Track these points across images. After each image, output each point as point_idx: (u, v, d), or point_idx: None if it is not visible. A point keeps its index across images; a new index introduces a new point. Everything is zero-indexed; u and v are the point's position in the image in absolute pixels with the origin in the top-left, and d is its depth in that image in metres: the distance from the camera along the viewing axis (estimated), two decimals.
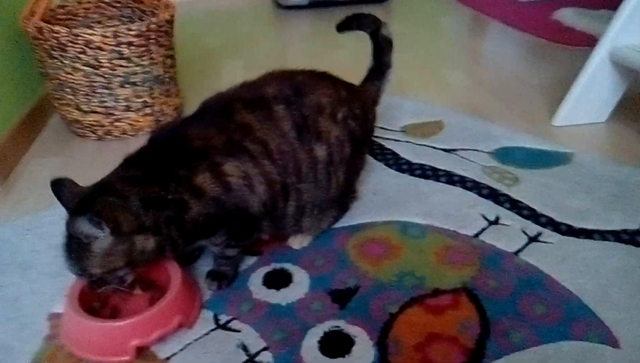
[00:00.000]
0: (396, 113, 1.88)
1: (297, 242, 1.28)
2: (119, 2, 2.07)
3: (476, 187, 1.48)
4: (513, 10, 3.11)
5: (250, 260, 1.25)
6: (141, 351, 1.02)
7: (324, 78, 1.21)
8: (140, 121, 1.84)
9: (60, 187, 1.02)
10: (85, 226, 0.92)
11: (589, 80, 1.76)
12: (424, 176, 1.54)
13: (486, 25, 3.06)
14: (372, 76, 1.37)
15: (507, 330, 1.04)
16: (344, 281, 1.18)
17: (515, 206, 1.40)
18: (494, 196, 1.44)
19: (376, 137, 1.66)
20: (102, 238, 0.94)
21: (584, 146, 1.71)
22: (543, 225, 1.33)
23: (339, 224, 1.34)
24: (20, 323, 1.11)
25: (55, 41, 1.65)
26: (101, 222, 0.91)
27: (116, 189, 0.99)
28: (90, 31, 1.63)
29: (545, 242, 1.27)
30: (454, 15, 3.23)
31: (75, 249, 0.96)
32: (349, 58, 2.29)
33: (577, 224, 1.33)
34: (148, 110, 1.84)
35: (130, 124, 1.83)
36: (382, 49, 1.37)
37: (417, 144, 1.71)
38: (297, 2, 3.33)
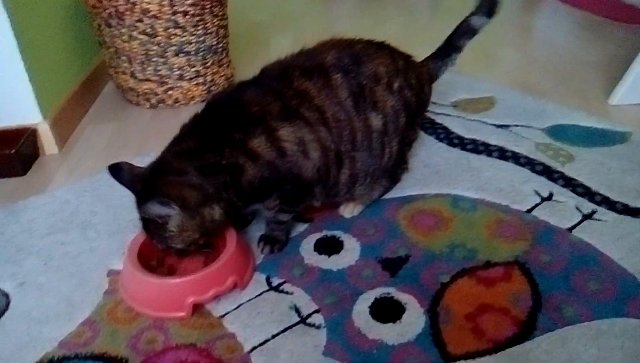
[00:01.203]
0: (447, 88, 1.85)
1: (349, 211, 1.29)
2: None
3: (529, 163, 1.46)
4: None
5: (302, 227, 1.27)
6: (197, 308, 1.05)
7: (382, 48, 1.21)
8: (192, 90, 1.87)
9: (119, 170, 1.07)
10: (156, 209, 0.98)
11: None
12: (475, 150, 1.53)
13: (539, 3, 2.98)
14: (437, 54, 1.34)
15: (560, 304, 1.03)
16: (394, 250, 1.18)
17: (570, 184, 1.37)
18: (548, 172, 1.42)
19: (427, 111, 1.65)
20: (174, 216, 1.00)
21: None
22: (598, 203, 1.30)
23: (389, 195, 1.34)
24: (81, 278, 1.16)
25: (113, 9, 1.69)
26: (170, 202, 0.97)
27: (174, 167, 1.03)
28: (147, 0, 1.66)
29: (599, 220, 1.25)
30: None
31: (154, 230, 1.03)
32: (397, 33, 2.27)
33: (634, 203, 1.30)
34: (200, 79, 1.87)
35: (182, 93, 1.86)
36: (461, 33, 1.33)
37: (469, 120, 1.70)
38: None
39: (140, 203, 1.02)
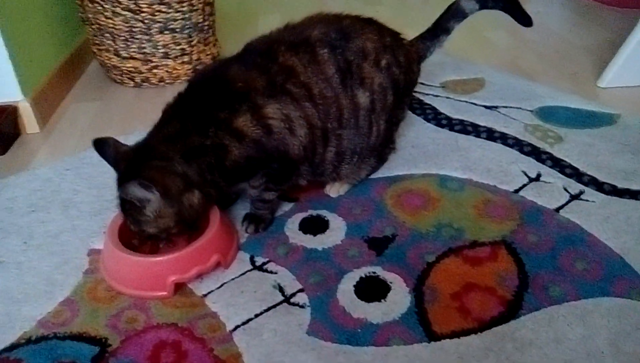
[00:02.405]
0: (436, 69, 1.83)
1: (335, 190, 1.27)
2: None
3: (518, 144, 1.45)
4: None
5: (287, 206, 1.25)
6: (179, 287, 1.04)
7: (370, 23, 1.18)
8: (177, 69, 1.84)
9: (104, 146, 1.05)
10: (137, 192, 0.95)
11: (638, 42, 1.69)
12: (463, 131, 1.52)
13: None
14: (425, 35, 1.32)
15: (546, 283, 1.03)
16: (381, 229, 1.17)
17: (558, 164, 1.37)
18: (536, 153, 1.41)
19: (415, 92, 1.63)
20: (153, 201, 0.97)
21: (631, 107, 1.66)
22: (586, 184, 1.30)
23: (376, 175, 1.33)
24: (62, 257, 1.13)
25: None
26: (151, 187, 0.94)
27: (160, 151, 1.00)
28: None
29: (587, 201, 1.25)
30: None
31: (130, 211, 1.01)
32: (387, 14, 2.24)
33: (621, 184, 1.30)
34: (186, 58, 1.83)
35: (167, 71, 1.83)
36: (451, 16, 1.31)
37: (458, 100, 1.68)
38: None
39: (122, 183, 0.99)
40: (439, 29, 1.32)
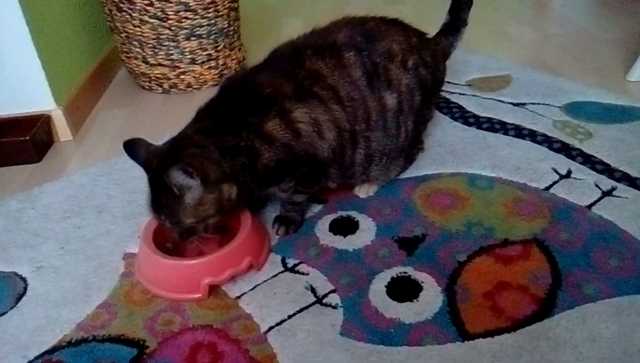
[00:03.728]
0: (462, 67, 1.83)
1: (364, 191, 1.28)
2: None
3: (547, 141, 1.44)
4: None
5: (317, 208, 1.26)
6: (213, 289, 1.05)
7: (395, 25, 1.19)
8: (204, 74, 1.86)
9: (134, 147, 1.06)
10: (179, 177, 0.95)
11: None
12: (491, 129, 1.51)
13: None
14: (446, 30, 1.32)
15: (580, 281, 1.02)
16: (411, 229, 1.17)
17: (588, 161, 1.35)
18: (566, 150, 1.40)
19: (442, 91, 1.63)
20: (194, 188, 0.97)
21: None
22: (617, 180, 1.28)
23: (404, 175, 1.33)
24: (98, 261, 1.16)
25: None
26: (193, 172, 0.94)
27: (195, 141, 1.01)
28: None
29: (619, 197, 1.23)
30: None
31: (168, 203, 0.99)
32: (410, 14, 2.24)
33: None
34: (212, 63, 1.86)
35: (195, 77, 1.86)
36: (461, 6, 1.31)
37: (484, 98, 1.67)
38: None
39: (161, 172, 0.96)
40: (459, 22, 1.32)
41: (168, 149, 1.02)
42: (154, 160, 1.02)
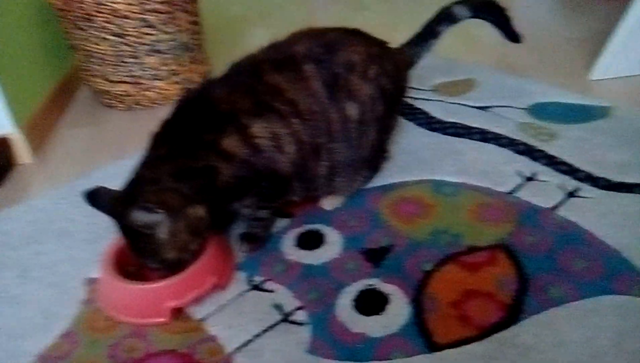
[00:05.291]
0: (426, 72, 1.83)
1: (329, 203, 1.26)
2: None
3: (511, 144, 1.44)
4: None
5: (282, 222, 1.25)
6: (177, 312, 1.03)
7: (355, 35, 1.18)
8: (168, 90, 1.84)
9: (96, 197, 1.04)
10: (142, 216, 0.93)
11: (629, 31, 1.69)
12: (456, 134, 1.51)
13: None
14: (416, 40, 1.31)
15: (546, 285, 1.02)
16: (377, 240, 1.16)
17: (552, 162, 1.36)
18: (530, 152, 1.40)
19: (406, 97, 1.63)
20: (162, 222, 0.95)
21: (623, 99, 1.65)
22: (581, 180, 1.29)
23: (370, 185, 1.32)
24: (60, 288, 1.13)
25: (81, 12, 1.64)
26: (152, 207, 0.93)
27: (148, 178, 1.00)
28: (115, 0, 1.62)
29: (583, 197, 1.24)
30: None
31: (145, 246, 0.98)
32: (375, 20, 2.24)
33: (617, 178, 1.29)
34: (176, 78, 1.83)
35: (158, 92, 1.83)
36: (441, 19, 1.30)
37: (449, 103, 1.68)
38: None
39: (123, 215, 0.97)
40: (429, 34, 1.32)
41: (125, 193, 1.00)
42: (118, 206, 0.99)
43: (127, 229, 0.98)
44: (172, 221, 0.97)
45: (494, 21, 1.32)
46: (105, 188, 1.04)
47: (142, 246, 0.99)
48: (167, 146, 1.02)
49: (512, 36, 1.32)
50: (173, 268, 1.02)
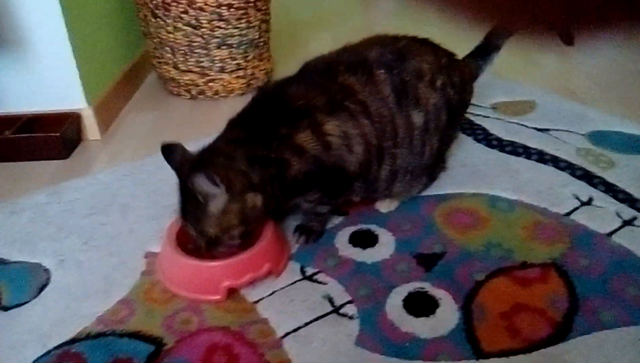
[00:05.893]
0: (487, 91, 1.84)
1: (385, 205, 1.29)
2: None
3: (569, 167, 1.44)
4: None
5: (337, 220, 1.28)
6: (231, 292, 1.07)
7: (425, 44, 1.21)
8: (232, 83, 1.90)
9: (171, 151, 1.08)
10: (203, 183, 0.96)
11: None
12: (514, 153, 1.52)
13: None
14: (477, 53, 1.34)
15: (597, 308, 1.02)
16: (429, 246, 1.18)
17: (610, 189, 1.35)
18: (588, 177, 1.40)
19: (466, 113, 1.65)
20: (218, 196, 0.99)
21: None
22: (639, 210, 1.28)
23: (426, 192, 1.34)
24: (120, 258, 1.18)
25: (160, 1, 1.72)
26: (217, 179, 0.96)
27: (223, 152, 1.04)
28: None
29: None
30: None
31: (193, 211, 1.02)
32: (437, 35, 2.25)
33: None
34: (241, 72, 1.89)
35: (223, 85, 1.89)
36: (500, 32, 1.34)
37: (508, 122, 1.68)
38: None
39: (188, 174, 0.99)
40: (491, 46, 1.34)
41: (198, 158, 1.05)
42: (185, 166, 1.04)
43: (185, 188, 1.01)
44: (228, 200, 1.00)
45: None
46: (181, 146, 1.08)
47: (190, 210, 1.02)
48: (245, 130, 1.06)
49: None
50: (209, 244, 1.05)
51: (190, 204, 1.02)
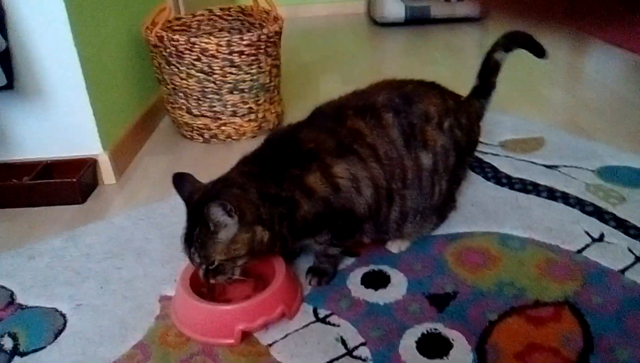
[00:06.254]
0: (495, 128, 1.86)
1: (396, 246, 1.30)
2: (230, 15, 2.20)
3: (579, 204, 1.45)
4: (619, 29, 3.00)
5: (349, 261, 1.29)
6: (245, 336, 1.07)
7: (432, 88, 1.24)
8: (244, 126, 1.94)
9: (182, 180, 1.11)
10: (218, 213, 0.99)
11: None
12: (524, 190, 1.53)
13: (588, 44, 2.97)
14: (477, 93, 1.37)
15: (613, 346, 1.01)
16: (442, 286, 1.18)
17: (622, 225, 1.35)
18: (599, 213, 1.40)
19: (476, 149, 1.67)
20: (230, 226, 1.01)
21: None
22: None
23: (436, 232, 1.35)
24: (135, 302, 1.20)
25: (173, 49, 1.78)
26: (232, 209, 0.98)
27: (237, 182, 1.07)
28: (206, 40, 1.75)
29: None
30: (554, 33, 3.16)
31: (201, 237, 1.03)
32: (445, 74, 2.30)
33: None
34: (252, 116, 1.93)
35: (235, 128, 1.93)
36: (490, 70, 1.36)
37: (517, 159, 1.70)
38: (393, 19, 3.38)
39: (201, 206, 1.00)
40: (489, 85, 1.37)
41: (211, 187, 1.07)
42: (196, 195, 1.07)
43: (194, 215, 1.03)
44: (239, 230, 1.02)
45: (522, 45, 1.36)
46: (192, 176, 1.12)
47: (198, 236, 1.02)
48: (258, 167, 1.09)
49: (540, 52, 1.35)
50: (209, 271, 1.05)
51: (199, 229, 1.02)
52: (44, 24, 1.51)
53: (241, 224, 1.01)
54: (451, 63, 2.73)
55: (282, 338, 1.08)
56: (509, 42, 1.35)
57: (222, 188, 1.05)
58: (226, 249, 1.03)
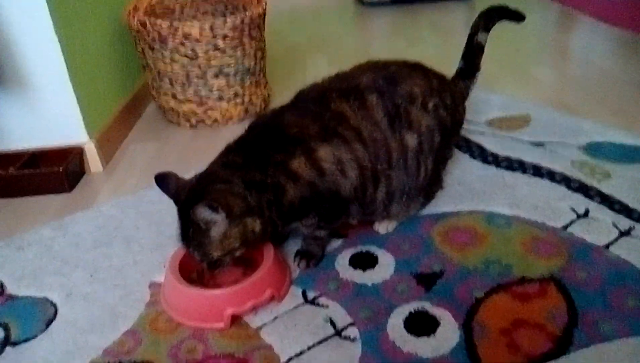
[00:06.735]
0: (482, 107, 1.87)
1: (383, 227, 1.31)
2: None
3: (565, 180, 1.46)
4: (605, 4, 3.00)
5: (337, 242, 1.29)
6: (235, 320, 1.09)
7: (416, 68, 1.24)
8: (230, 111, 1.93)
9: (165, 180, 1.11)
10: (205, 213, 1.00)
11: None
12: (510, 168, 1.54)
13: (574, 21, 2.97)
14: (462, 75, 1.38)
15: (596, 320, 1.03)
16: (429, 265, 1.20)
17: (606, 200, 1.37)
18: (584, 189, 1.42)
19: (462, 129, 1.67)
20: (219, 223, 1.01)
21: None
22: (636, 220, 1.29)
23: (423, 212, 1.36)
24: (126, 290, 1.20)
25: (156, 34, 1.76)
26: (218, 207, 0.99)
27: (221, 177, 1.06)
28: (189, 24, 1.73)
29: (637, 237, 1.24)
30: (541, 10, 3.15)
31: (195, 237, 1.04)
32: (431, 53, 2.29)
33: None
34: (238, 100, 1.92)
35: (221, 113, 1.92)
36: (474, 52, 1.38)
37: (503, 137, 1.71)
38: None
39: (188, 207, 1.02)
40: (474, 67, 1.39)
41: (196, 184, 1.07)
42: (183, 193, 1.07)
43: (185, 214, 1.04)
44: (229, 225, 1.03)
45: (499, 17, 1.38)
46: (174, 174, 1.11)
47: (193, 237, 1.04)
48: (242, 155, 1.09)
49: (518, 17, 1.39)
50: (211, 265, 1.08)
51: (192, 230, 1.04)
52: (24, 12, 1.49)
53: (230, 219, 1.02)
54: (439, 42, 2.71)
55: (272, 321, 1.09)
56: (487, 21, 1.37)
57: (207, 185, 1.05)
58: (221, 245, 1.04)
